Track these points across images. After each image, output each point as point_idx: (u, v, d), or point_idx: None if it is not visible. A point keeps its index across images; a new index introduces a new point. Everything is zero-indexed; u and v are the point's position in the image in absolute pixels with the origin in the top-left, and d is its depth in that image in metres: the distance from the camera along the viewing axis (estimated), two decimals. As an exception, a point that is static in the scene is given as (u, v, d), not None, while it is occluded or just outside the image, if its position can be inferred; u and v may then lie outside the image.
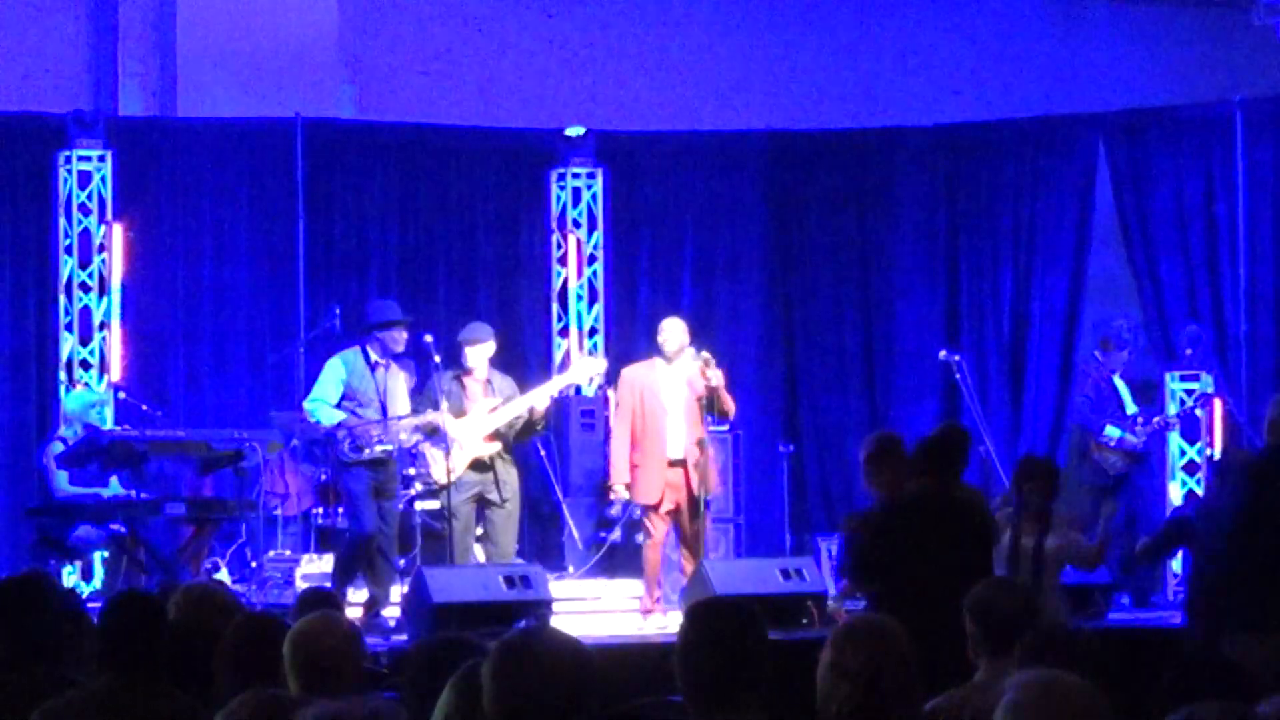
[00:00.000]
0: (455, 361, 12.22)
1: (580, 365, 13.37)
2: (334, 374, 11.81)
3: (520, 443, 12.59)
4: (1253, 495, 7.86)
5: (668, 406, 11.87)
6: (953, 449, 8.43)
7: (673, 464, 11.86)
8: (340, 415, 11.69)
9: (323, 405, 11.74)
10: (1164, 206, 14.96)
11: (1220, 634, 7.48)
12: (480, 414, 11.93)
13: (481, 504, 12.01)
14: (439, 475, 11.92)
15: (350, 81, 15.60)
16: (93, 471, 12.15)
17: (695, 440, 11.88)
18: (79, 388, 13.48)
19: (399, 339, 11.86)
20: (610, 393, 14.69)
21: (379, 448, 11.66)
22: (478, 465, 11.90)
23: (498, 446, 11.96)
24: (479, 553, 12.30)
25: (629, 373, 12.17)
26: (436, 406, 11.88)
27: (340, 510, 12.55)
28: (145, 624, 5.19)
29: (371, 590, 11.65)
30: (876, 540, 8.25)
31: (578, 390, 14.87)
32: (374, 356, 11.81)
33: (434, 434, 11.98)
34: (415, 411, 12.19)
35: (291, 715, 4.29)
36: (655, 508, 11.85)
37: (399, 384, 11.90)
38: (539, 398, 12.13)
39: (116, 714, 4.97)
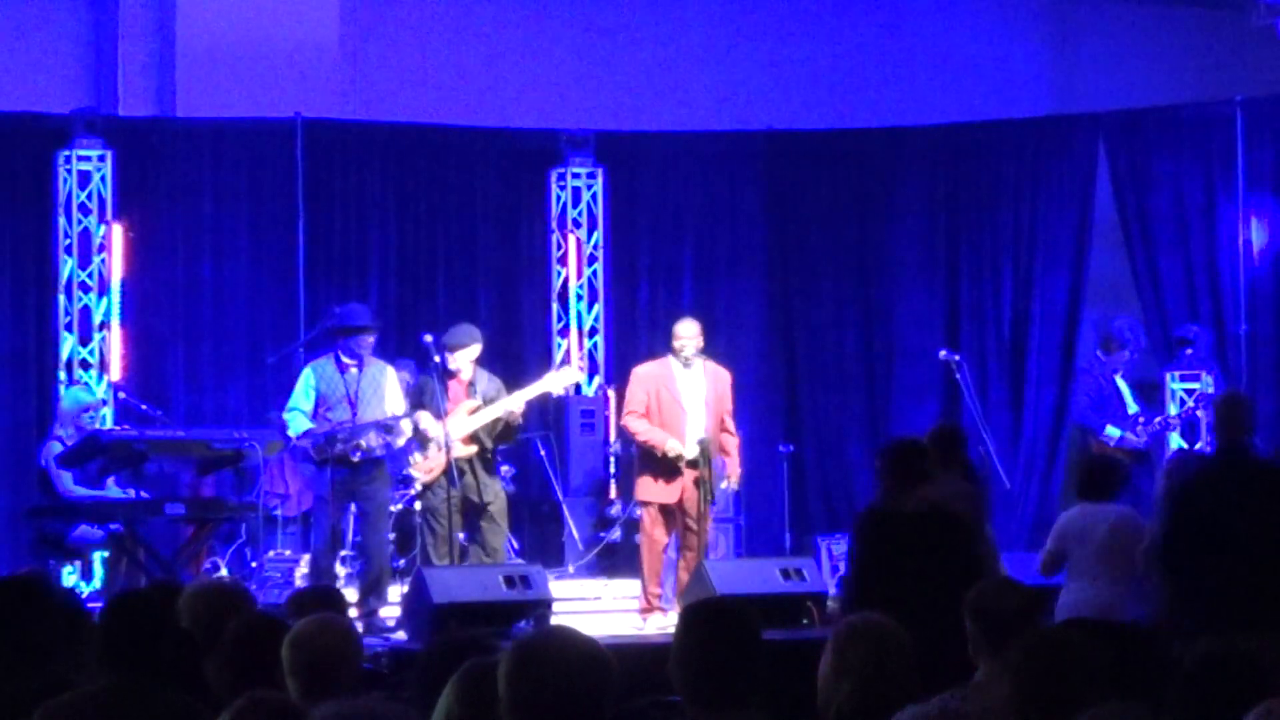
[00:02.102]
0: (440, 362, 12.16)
1: (552, 377, 13.01)
2: (306, 383, 11.88)
3: (502, 445, 12.49)
4: (1211, 498, 7.87)
5: (687, 407, 11.78)
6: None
7: (688, 465, 11.76)
8: (309, 424, 11.72)
9: (297, 414, 11.78)
10: (1164, 206, 14.96)
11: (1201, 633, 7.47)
12: (460, 416, 11.88)
13: (468, 509, 11.97)
14: (417, 476, 11.94)
15: (350, 81, 15.59)
16: (91, 473, 12.13)
17: (717, 442, 11.81)
18: (74, 387, 13.46)
19: (366, 344, 11.87)
20: (611, 392, 14.68)
21: (341, 447, 11.61)
22: (456, 468, 11.81)
23: (474, 450, 11.91)
24: (473, 555, 12.24)
25: (643, 372, 11.97)
26: (428, 407, 11.85)
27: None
28: (145, 624, 5.18)
29: (359, 591, 11.64)
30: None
31: (578, 390, 14.86)
32: (344, 359, 11.84)
33: (389, 431, 11.92)
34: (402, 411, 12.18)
35: (296, 718, 4.28)
36: (661, 508, 11.77)
37: (372, 383, 11.84)
38: (512, 404, 12.04)
39: (116, 714, 4.96)
